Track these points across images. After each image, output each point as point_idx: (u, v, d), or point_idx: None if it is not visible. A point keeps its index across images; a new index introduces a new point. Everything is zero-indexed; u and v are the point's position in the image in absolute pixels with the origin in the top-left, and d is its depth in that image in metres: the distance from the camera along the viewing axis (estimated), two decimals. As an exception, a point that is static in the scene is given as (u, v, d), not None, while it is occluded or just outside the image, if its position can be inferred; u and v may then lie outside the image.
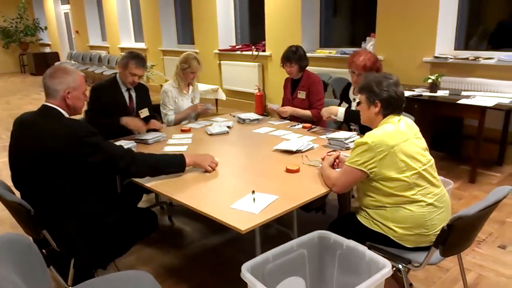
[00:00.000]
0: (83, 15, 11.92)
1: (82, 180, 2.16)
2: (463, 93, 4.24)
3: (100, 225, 2.18)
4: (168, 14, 9.02)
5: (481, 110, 3.77)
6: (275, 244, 1.90)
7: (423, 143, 2.04)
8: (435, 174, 2.02)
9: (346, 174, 2.00)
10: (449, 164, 4.36)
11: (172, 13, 9.07)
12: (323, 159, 2.31)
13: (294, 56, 3.44)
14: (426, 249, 1.94)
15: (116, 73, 3.26)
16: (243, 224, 1.74)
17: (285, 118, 3.55)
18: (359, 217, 2.09)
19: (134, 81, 3.15)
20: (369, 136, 1.94)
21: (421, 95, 4.15)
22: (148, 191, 2.83)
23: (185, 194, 2.08)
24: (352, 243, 1.85)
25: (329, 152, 2.52)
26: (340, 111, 2.93)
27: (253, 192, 2.03)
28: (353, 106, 3.07)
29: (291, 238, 2.37)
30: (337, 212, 3.12)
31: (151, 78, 8.33)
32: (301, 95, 3.53)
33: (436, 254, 1.86)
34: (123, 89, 3.20)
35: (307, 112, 3.46)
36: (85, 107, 3.09)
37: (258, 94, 6.78)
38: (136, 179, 2.30)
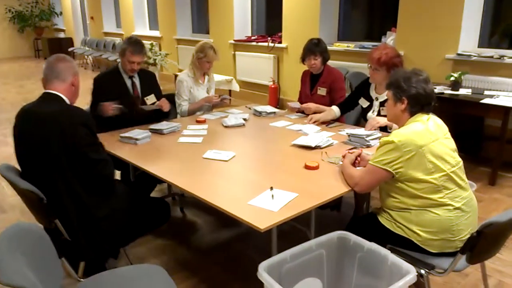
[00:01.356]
0: (98, 1, 11.86)
1: (90, 180, 2.12)
2: (486, 92, 4.10)
3: (109, 213, 2.13)
4: (183, 3, 8.92)
5: (505, 111, 3.65)
6: (289, 242, 1.84)
7: (452, 143, 1.94)
8: (464, 176, 1.92)
9: (370, 173, 1.91)
10: (468, 165, 4.23)
11: (187, 2, 8.97)
12: (344, 156, 2.23)
13: (317, 48, 3.32)
14: (450, 254, 1.87)
15: (118, 62, 3.18)
16: (261, 222, 1.67)
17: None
18: (380, 219, 2.00)
19: (133, 69, 3.05)
20: (396, 135, 1.85)
21: (442, 93, 4.03)
22: (161, 181, 2.78)
23: (201, 188, 2.01)
24: (373, 246, 1.77)
25: (350, 149, 2.43)
26: (394, 126, 2.65)
27: (272, 188, 1.96)
28: (375, 105, 2.96)
29: (307, 236, 2.32)
30: (352, 210, 3.05)
31: (165, 67, 8.28)
32: (322, 91, 3.41)
33: (461, 260, 1.78)
34: (125, 77, 3.11)
35: (331, 111, 3.27)
36: (88, 100, 3.05)
37: (272, 86, 6.68)
38: (151, 170, 2.24)
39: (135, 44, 3.02)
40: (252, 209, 1.79)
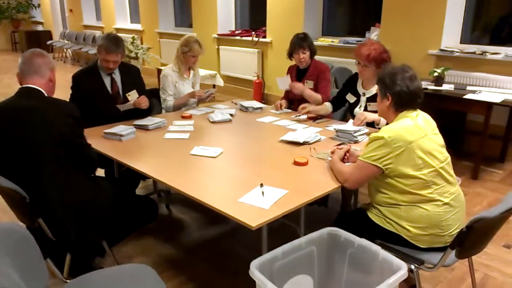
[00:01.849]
0: (77, -7, 11.61)
1: (77, 164, 2.10)
2: (468, 87, 4.15)
3: (95, 211, 2.09)
4: (166, -5, 8.80)
5: (488, 106, 3.70)
6: (278, 238, 1.83)
7: (440, 139, 1.96)
8: (452, 172, 1.94)
9: (360, 169, 1.91)
10: (451, 159, 4.30)
11: (170, -6, 8.85)
12: (332, 152, 2.22)
13: (305, 42, 3.31)
14: (439, 249, 1.89)
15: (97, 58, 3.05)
16: (253, 220, 1.65)
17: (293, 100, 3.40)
18: (370, 215, 2.01)
19: (109, 67, 2.94)
20: (385, 131, 1.85)
21: (426, 88, 4.05)
22: (145, 177, 2.74)
23: (190, 185, 1.98)
24: (364, 242, 1.77)
25: (338, 145, 2.43)
26: (382, 121, 2.72)
27: (262, 185, 1.94)
28: (362, 101, 2.96)
29: (297, 232, 2.31)
30: (339, 206, 3.05)
31: (147, 61, 8.15)
32: (309, 84, 3.40)
33: (450, 255, 1.79)
34: (104, 74, 3.01)
35: (317, 96, 3.29)
36: (67, 94, 2.97)
37: (257, 81, 6.65)
38: (138, 167, 2.20)
39: (110, 42, 2.88)
40: (243, 207, 1.77)
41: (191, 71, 3.53)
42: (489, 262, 2.60)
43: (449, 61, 4.57)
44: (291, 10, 6.10)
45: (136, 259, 2.63)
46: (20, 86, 2.07)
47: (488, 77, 4.22)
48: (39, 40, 13.00)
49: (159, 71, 6.88)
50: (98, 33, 10.87)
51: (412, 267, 1.86)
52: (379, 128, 2.80)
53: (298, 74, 3.51)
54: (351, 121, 2.80)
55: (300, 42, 3.31)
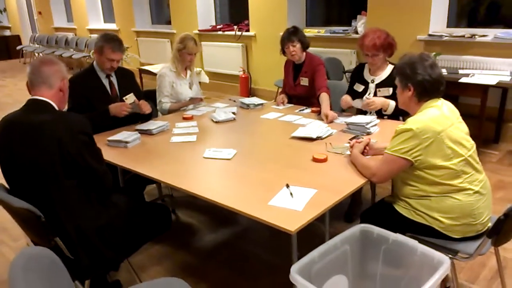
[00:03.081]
0: (46, -6, 11.19)
1: (90, 188, 1.97)
2: (460, 71, 4.19)
3: (111, 235, 1.98)
4: (140, -8, 8.58)
5: (483, 89, 3.74)
6: (302, 237, 1.77)
7: (465, 127, 1.94)
8: (477, 159, 1.93)
9: (388, 163, 1.87)
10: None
11: (144, -9, 8.63)
12: (352, 146, 2.18)
13: (294, 35, 3.24)
14: (471, 238, 1.87)
15: (93, 61, 2.97)
16: (289, 224, 1.59)
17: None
18: (397, 208, 1.98)
19: (112, 67, 2.87)
20: (413, 122, 1.82)
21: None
22: (151, 181, 2.64)
23: (213, 191, 1.90)
24: (399, 237, 1.73)
25: (352, 138, 2.40)
26: (391, 106, 2.73)
27: (288, 186, 1.88)
28: (371, 88, 2.93)
29: (322, 230, 2.26)
30: (349, 198, 3.02)
31: (126, 61, 7.93)
32: (304, 81, 3.35)
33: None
34: (102, 76, 2.92)
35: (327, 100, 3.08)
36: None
37: (243, 76, 6.57)
38: (153, 175, 2.10)
39: (113, 40, 2.83)
40: (275, 210, 1.70)
41: (188, 71, 3.42)
42: (507, 245, 2.61)
43: (438, 45, 4.60)
44: (274, 2, 6.02)
45: (150, 269, 2.54)
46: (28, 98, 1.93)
47: (479, 60, 4.27)
48: (7, 45, 12.58)
49: (141, 71, 6.72)
50: (70, 35, 10.54)
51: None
52: (386, 115, 2.80)
53: (294, 69, 3.45)
54: (358, 101, 2.80)
55: (289, 35, 3.25)
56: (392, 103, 2.74)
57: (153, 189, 3.35)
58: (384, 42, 2.79)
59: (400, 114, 2.82)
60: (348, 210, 2.93)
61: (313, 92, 3.27)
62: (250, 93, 6.60)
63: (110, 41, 2.82)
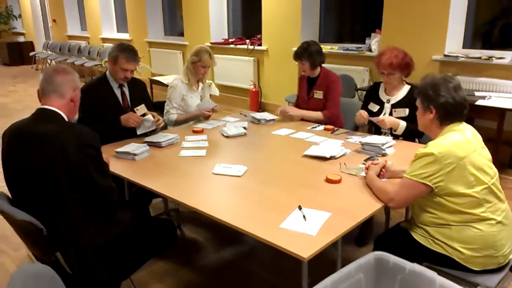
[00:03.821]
0: (61, 2, 11.29)
1: (95, 205, 1.90)
2: (476, 93, 4.11)
3: (112, 255, 1.90)
4: (154, 4, 8.61)
5: (501, 112, 3.65)
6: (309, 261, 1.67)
7: (488, 153, 1.85)
8: (500, 187, 1.83)
9: (407, 188, 1.78)
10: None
11: (158, 3, 8.66)
12: (367, 168, 2.10)
13: (304, 53, 3.23)
14: (492, 271, 1.77)
15: (106, 70, 2.94)
16: (303, 250, 1.51)
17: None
18: (414, 235, 1.88)
19: (126, 77, 2.83)
20: (435, 146, 1.73)
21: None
22: (157, 195, 2.57)
23: (222, 210, 1.83)
24: (417, 267, 1.63)
25: (366, 159, 2.33)
26: (401, 126, 2.67)
27: (300, 208, 1.80)
28: (386, 108, 2.85)
29: (332, 253, 2.16)
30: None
31: (138, 71, 7.93)
32: (318, 94, 3.30)
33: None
34: (115, 86, 2.88)
35: (317, 114, 3.25)
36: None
37: (253, 90, 6.53)
38: (161, 191, 2.03)
39: (128, 50, 2.80)
40: (287, 234, 1.62)
41: (200, 84, 3.38)
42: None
43: (454, 66, 4.53)
44: (287, 17, 6.00)
45: (153, 287, 2.45)
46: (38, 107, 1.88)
47: (496, 82, 4.19)
48: (20, 51, 12.70)
49: (152, 81, 6.71)
50: (83, 44, 10.61)
51: (467, 291, 1.74)
52: (396, 135, 2.72)
53: (309, 83, 3.40)
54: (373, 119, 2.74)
55: (295, 55, 3.28)
56: (402, 124, 2.68)
57: (159, 202, 3.28)
58: (402, 61, 2.73)
59: (414, 136, 2.74)
60: (360, 234, 2.83)
61: (324, 107, 3.27)
62: (260, 107, 6.55)
63: (125, 50, 2.79)
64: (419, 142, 2.78)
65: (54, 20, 11.97)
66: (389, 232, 2.12)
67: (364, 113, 2.81)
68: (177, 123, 3.29)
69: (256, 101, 6.55)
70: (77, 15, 11.50)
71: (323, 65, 3.38)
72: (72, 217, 1.79)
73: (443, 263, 1.79)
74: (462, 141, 1.75)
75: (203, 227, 3.11)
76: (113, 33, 10.22)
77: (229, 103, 7.02)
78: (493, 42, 4.69)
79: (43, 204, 1.77)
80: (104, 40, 10.06)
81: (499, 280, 1.71)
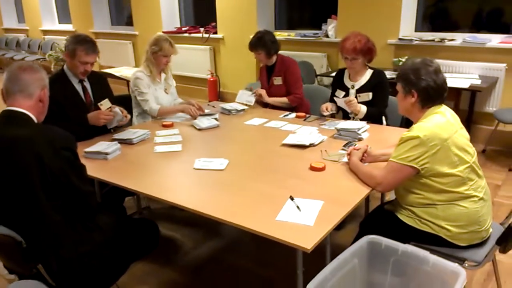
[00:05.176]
0: (-7, -7, 10.50)
1: (74, 210, 1.78)
2: (431, 74, 4.26)
3: (95, 263, 1.79)
4: (98, -8, 8.20)
5: (457, 92, 3.82)
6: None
7: (466, 133, 1.92)
8: (479, 165, 1.91)
9: (394, 171, 1.82)
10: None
11: (103, -9, 8.26)
12: (349, 154, 2.12)
13: (258, 43, 3.30)
14: (477, 245, 1.86)
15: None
16: (304, 241, 1.50)
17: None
18: (400, 216, 1.93)
19: (86, 70, 2.67)
20: (419, 129, 1.77)
21: (393, 78, 4.11)
22: (130, 193, 2.47)
23: (213, 206, 1.77)
24: (409, 248, 1.68)
25: (346, 144, 2.36)
26: (362, 111, 2.76)
27: (292, 198, 1.79)
28: (351, 94, 2.90)
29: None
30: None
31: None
32: (277, 81, 3.39)
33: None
34: (75, 82, 2.71)
35: (283, 99, 3.33)
36: None
37: (211, 79, 6.42)
38: (144, 191, 1.94)
39: (86, 41, 2.62)
40: (285, 226, 1.60)
41: (162, 75, 3.25)
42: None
43: (408, 49, 4.67)
44: (242, 4, 5.92)
45: (136, 289, 2.36)
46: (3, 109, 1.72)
47: (450, 63, 4.37)
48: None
49: (105, 75, 6.41)
50: (22, 37, 9.94)
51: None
52: (353, 118, 2.79)
53: (268, 71, 3.48)
54: (341, 101, 2.80)
55: (251, 46, 3.34)
56: (363, 108, 2.78)
57: (129, 200, 3.15)
58: (364, 46, 2.78)
59: (373, 119, 2.81)
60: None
61: (286, 92, 3.35)
62: (218, 96, 6.46)
63: (83, 42, 2.61)
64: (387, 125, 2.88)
65: (-14, 13, 11.09)
66: (373, 215, 2.16)
67: (327, 104, 2.91)
68: (160, 114, 3.08)
69: (214, 90, 6.45)
70: (13, 6, 10.73)
71: (281, 52, 3.42)
72: (53, 226, 1.67)
73: (430, 241, 1.85)
74: (445, 123, 1.80)
75: (178, 224, 3.03)
76: (55, 25, 9.64)
77: (187, 94, 6.86)
78: (439, 24, 4.87)
79: (20, 215, 1.63)
80: (45, 32, 9.47)
81: (485, 254, 1.79)
